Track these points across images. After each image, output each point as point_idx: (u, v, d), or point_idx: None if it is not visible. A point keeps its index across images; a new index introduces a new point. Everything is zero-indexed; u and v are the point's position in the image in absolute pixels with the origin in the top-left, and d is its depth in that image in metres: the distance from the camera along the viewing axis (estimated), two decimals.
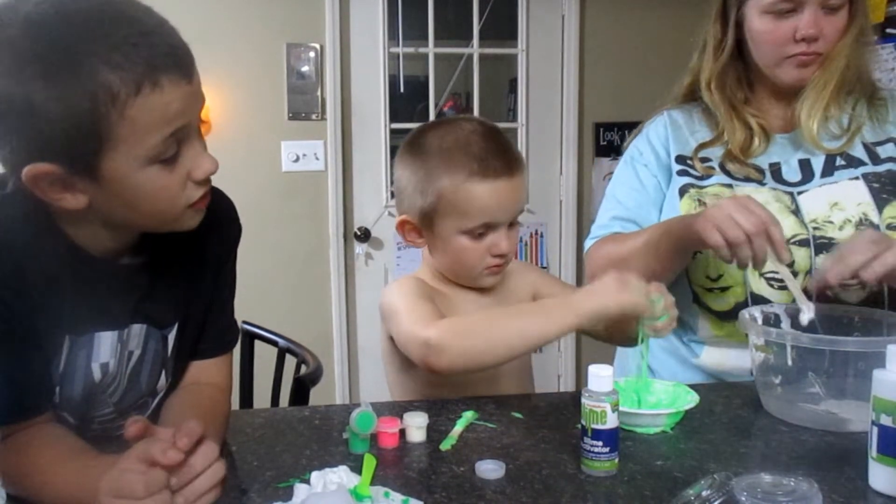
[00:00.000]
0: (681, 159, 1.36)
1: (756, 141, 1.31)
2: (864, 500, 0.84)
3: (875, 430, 0.85)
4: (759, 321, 1.16)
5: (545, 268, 3.50)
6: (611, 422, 0.89)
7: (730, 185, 1.30)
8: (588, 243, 1.39)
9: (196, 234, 0.98)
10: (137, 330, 0.98)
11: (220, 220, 1.05)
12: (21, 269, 0.86)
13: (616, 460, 0.91)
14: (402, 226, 1.22)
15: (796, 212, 1.25)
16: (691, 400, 1.07)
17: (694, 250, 1.25)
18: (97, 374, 0.95)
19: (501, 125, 3.39)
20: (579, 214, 3.51)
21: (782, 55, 1.26)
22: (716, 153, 1.34)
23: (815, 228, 1.24)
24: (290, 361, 1.78)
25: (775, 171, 1.31)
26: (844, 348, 1.02)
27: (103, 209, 0.86)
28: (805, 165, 1.30)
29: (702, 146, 1.35)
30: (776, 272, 1.20)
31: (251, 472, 0.92)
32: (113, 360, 0.96)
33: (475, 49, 3.36)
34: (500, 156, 1.15)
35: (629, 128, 3.78)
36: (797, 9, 1.22)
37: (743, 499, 0.75)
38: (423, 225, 1.20)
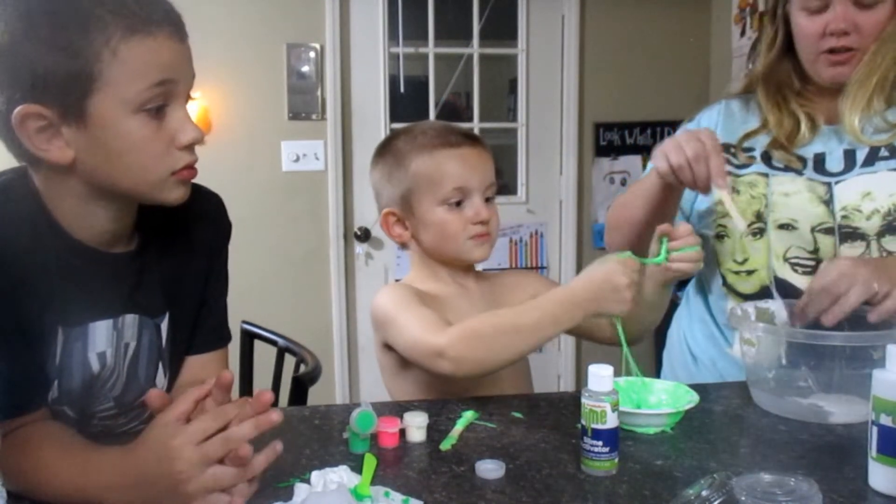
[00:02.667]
0: (725, 147, 1.38)
1: (803, 129, 1.33)
2: (864, 500, 0.84)
3: (875, 430, 0.85)
4: (752, 316, 1.20)
5: (544, 268, 3.51)
6: (611, 422, 0.89)
7: (765, 175, 1.33)
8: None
9: (185, 223, 1.04)
10: (131, 320, 0.99)
11: (209, 215, 1.09)
12: (9, 262, 0.87)
13: (616, 460, 0.91)
14: (386, 220, 1.28)
15: (828, 202, 1.28)
16: (691, 400, 1.07)
17: (663, 189, 1.28)
18: (95, 364, 0.96)
19: (501, 125, 3.47)
20: (579, 214, 3.51)
21: (817, 50, 1.28)
22: (761, 142, 1.36)
23: (843, 217, 1.26)
24: (290, 361, 1.78)
25: (819, 160, 1.32)
26: (832, 343, 1.04)
27: (88, 165, 0.87)
28: (849, 156, 1.31)
29: (747, 136, 1.38)
30: (800, 257, 1.27)
31: None
32: (110, 349, 0.97)
33: (475, 49, 3.36)
34: (457, 131, 1.27)
35: (629, 128, 3.83)
36: (829, 4, 1.25)
37: (743, 498, 0.75)
38: (404, 212, 1.25)
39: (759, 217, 1.30)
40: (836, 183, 1.29)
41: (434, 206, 1.23)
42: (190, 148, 0.91)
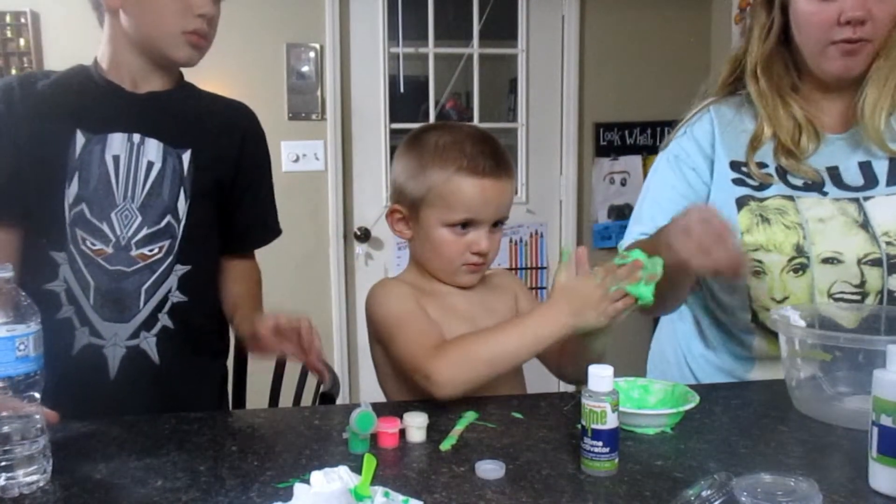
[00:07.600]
0: (735, 165, 1.28)
1: (804, 137, 1.25)
2: (864, 500, 0.84)
3: (875, 430, 0.85)
4: (793, 320, 1.12)
5: (544, 268, 3.51)
6: (611, 422, 0.89)
7: (791, 198, 1.23)
8: (625, 242, 1.32)
9: (217, 104, 1.38)
10: (154, 145, 1.25)
11: (233, 106, 1.41)
12: (50, 91, 1.25)
13: (616, 460, 0.91)
14: (391, 214, 1.28)
15: (865, 225, 1.20)
16: (691, 400, 1.07)
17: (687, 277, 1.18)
18: (110, 164, 1.23)
19: (501, 125, 3.47)
20: (579, 214, 3.51)
21: (827, 40, 1.19)
22: (768, 152, 1.27)
23: (887, 244, 1.19)
24: (293, 364, 1.75)
25: (834, 175, 1.24)
26: (873, 347, 0.96)
27: (127, 14, 1.22)
28: (867, 169, 1.23)
29: (752, 145, 1.28)
30: (845, 292, 1.20)
31: (251, 472, 0.92)
32: (123, 154, 1.24)
33: (475, 49, 3.36)
34: (489, 157, 1.21)
35: (629, 128, 3.81)
36: None
37: (743, 499, 0.75)
38: (410, 214, 1.25)
39: (800, 251, 1.20)
40: (865, 200, 1.21)
41: (439, 225, 1.21)
42: (203, 18, 1.22)
